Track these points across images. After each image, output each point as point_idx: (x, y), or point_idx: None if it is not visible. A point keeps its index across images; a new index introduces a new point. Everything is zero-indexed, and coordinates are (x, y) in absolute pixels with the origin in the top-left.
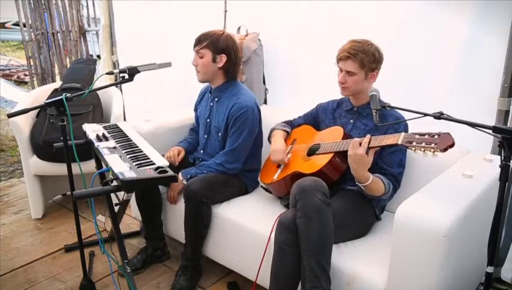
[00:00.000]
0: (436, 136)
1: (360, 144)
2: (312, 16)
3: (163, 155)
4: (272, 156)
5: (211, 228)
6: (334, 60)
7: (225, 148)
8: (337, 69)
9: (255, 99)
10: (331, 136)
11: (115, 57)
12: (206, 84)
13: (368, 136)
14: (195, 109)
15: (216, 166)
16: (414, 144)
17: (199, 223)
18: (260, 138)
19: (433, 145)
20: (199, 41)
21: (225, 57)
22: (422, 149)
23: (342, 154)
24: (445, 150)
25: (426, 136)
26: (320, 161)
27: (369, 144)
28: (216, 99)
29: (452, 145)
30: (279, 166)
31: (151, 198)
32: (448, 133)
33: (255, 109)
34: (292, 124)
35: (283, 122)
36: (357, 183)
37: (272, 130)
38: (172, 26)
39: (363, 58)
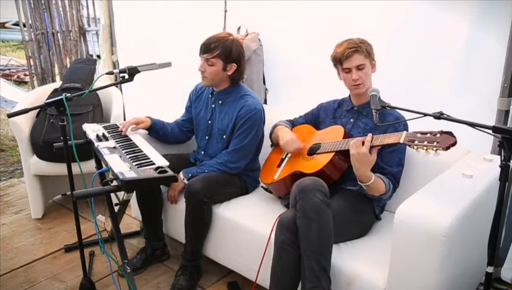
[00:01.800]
0: (438, 135)
1: (363, 143)
2: (312, 16)
3: (163, 155)
4: (288, 147)
5: (211, 227)
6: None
7: (229, 148)
8: (342, 73)
9: (260, 101)
10: (332, 135)
11: (115, 57)
12: (200, 84)
13: (370, 134)
14: (188, 107)
15: (218, 165)
16: (416, 142)
17: (200, 222)
18: (262, 138)
19: (435, 143)
20: (209, 49)
21: (235, 66)
22: (425, 148)
23: (343, 154)
24: (447, 148)
25: (428, 135)
26: (321, 160)
27: (371, 142)
28: (220, 101)
29: (454, 144)
30: (279, 165)
31: (152, 197)
32: (450, 132)
33: (262, 112)
34: (293, 124)
35: (285, 121)
36: (359, 183)
37: (274, 126)
38: (172, 26)
39: (366, 48)
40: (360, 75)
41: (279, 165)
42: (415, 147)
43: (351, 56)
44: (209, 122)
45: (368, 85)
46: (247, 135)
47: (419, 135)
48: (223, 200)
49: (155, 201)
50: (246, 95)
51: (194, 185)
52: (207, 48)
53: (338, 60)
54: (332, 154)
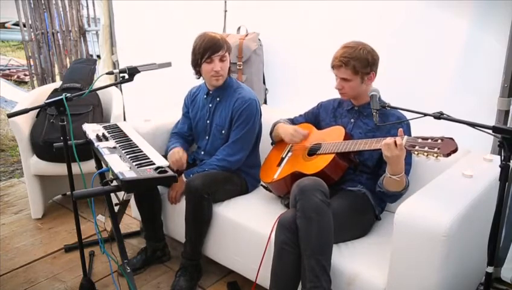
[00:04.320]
0: (439, 141)
1: (396, 145)
2: (312, 16)
3: (163, 156)
4: (295, 138)
5: (211, 227)
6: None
7: (228, 142)
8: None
9: (254, 92)
10: (332, 136)
11: (115, 57)
12: (195, 88)
13: (405, 137)
14: (186, 113)
15: (218, 162)
16: (417, 148)
17: (200, 219)
18: (260, 133)
19: (436, 150)
20: (220, 46)
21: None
22: (425, 154)
23: (344, 155)
24: (448, 155)
25: (429, 141)
26: (322, 161)
27: (404, 144)
28: (218, 99)
29: (455, 151)
30: (279, 165)
31: (151, 198)
32: (452, 138)
33: (257, 102)
34: (293, 122)
35: (285, 119)
36: (391, 176)
37: (274, 124)
38: (173, 26)
39: (355, 64)
40: (342, 85)
41: (279, 164)
42: (416, 152)
43: (339, 68)
44: (208, 121)
45: (354, 94)
46: (245, 126)
47: (420, 140)
48: (223, 199)
49: (154, 202)
50: (239, 88)
51: (193, 182)
52: (219, 46)
53: (331, 64)
54: (333, 155)
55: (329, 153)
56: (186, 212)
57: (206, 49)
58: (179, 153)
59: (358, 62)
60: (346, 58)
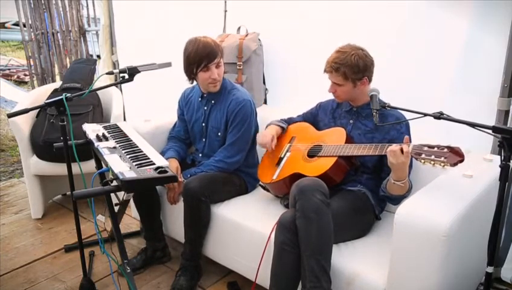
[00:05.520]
0: (445, 150)
1: (402, 152)
2: (312, 16)
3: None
4: (260, 139)
5: (210, 227)
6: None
7: (225, 144)
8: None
9: (249, 93)
10: (333, 138)
11: (115, 57)
12: (188, 89)
13: (411, 144)
14: (181, 115)
15: (216, 163)
16: (423, 156)
17: (198, 222)
18: (256, 132)
19: (442, 159)
20: (216, 53)
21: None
22: (432, 162)
23: (345, 158)
24: (455, 164)
25: (435, 149)
26: (324, 163)
27: (411, 151)
28: (213, 101)
29: (462, 160)
30: (278, 164)
31: (149, 198)
32: (458, 148)
33: (252, 103)
34: (290, 122)
35: (281, 119)
36: (395, 182)
37: (268, 125)
38: (173, 26)
39: (346, 71)
40: (335, 89)
41: (277, 164)
42: (422, 160)
43: (330, 73)
44: (203, 124)
45: (348, 98)
46: (241, 127)
47: (426, 148)
48: (222, 199)
49: (152, 201)
50: (233, 89)
51: (191, 184)
52: (214, 53)
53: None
54: (336, 158)
55: (332, 156)
56: (184, 215)
57: (202, 58)
58: (175, 170)
59: (348, 68)
60: (337, 65)
